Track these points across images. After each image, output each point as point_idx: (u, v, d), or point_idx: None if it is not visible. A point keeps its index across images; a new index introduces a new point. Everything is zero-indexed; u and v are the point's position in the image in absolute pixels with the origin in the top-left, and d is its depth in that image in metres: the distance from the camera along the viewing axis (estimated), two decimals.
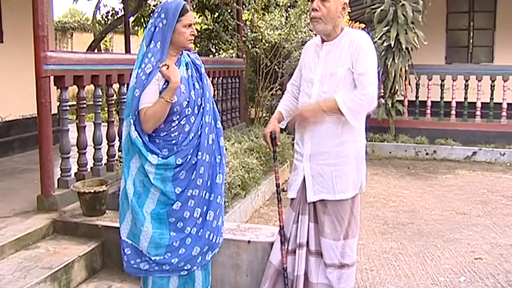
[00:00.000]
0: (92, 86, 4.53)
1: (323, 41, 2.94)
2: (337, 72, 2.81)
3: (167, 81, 2.72)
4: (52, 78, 3.98)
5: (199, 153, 2.82)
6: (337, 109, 2.72)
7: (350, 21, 9.60)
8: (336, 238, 2.91)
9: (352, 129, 2.83)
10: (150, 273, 2.84)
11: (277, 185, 3.08)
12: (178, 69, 2.76)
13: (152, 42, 2.71)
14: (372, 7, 9.11)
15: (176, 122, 2.77)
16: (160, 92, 2.71)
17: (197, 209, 2.84)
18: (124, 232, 2.84)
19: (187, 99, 2.79)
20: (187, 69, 2.88)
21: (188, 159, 2.80)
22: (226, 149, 5.53)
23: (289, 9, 8.22)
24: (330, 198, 2.87)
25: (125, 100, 4.72)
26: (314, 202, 2.93)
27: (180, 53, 2.87)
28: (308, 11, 8.70)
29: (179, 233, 2.82)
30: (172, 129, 2.77)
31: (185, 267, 2.86)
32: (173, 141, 2.78)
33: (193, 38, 2.82)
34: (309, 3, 2.91)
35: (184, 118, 2.79)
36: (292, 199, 3.03)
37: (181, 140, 2.78)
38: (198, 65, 2.95)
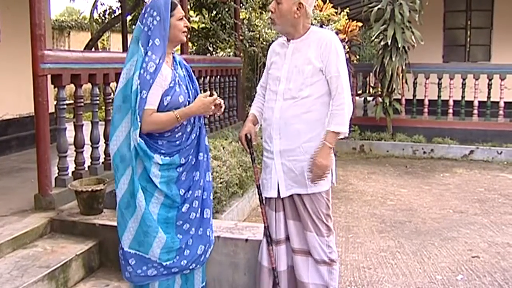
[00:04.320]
0: (89, 85, 4.53)
1: (288, 40, 2.98)
2: (304, 70, 2.84)
3: (172, 82, 2.72)
4: (49, 76, 3.96)
5: (200, 153, 2.87)
6: (337, 134, 2.83)
7: (348, 20, 9.63)
8: (319, 234, 2.92)
9: (318, 125, 2.88)
10: (158, 278, 2.83)
11: (258, 187, 3.05)
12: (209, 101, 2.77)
13: (150, 40, 2.68)
14: (370, 5, 9.11)
15: (181, 122, 2.78)
16: (165, 93, 2.71)
17: (199, 209, 2.88)
18: (126, 243, 2.80)
19: (189, 99, 2.81)
20: (181, 68, 2.89)
21: (189, 159, 2.82)
22: (223, 147, 5.57)
23: None
24: (303, 192, 2.90)
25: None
26: (292, 199, 2.93)
27: (173, 51, 2.89)
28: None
29: (185, 235, 2.84)
30: (176, 130, 2.78)
31: (191, 267, 2.89)
32: (177, 142, 2.80)
33: (186, 30, 2.83)
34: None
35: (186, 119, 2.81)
36: (269, 198, 3.01)
37: (184, 140, 2.80)
38: (186, 65, 2.98)
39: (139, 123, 2.64)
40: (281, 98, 2.87)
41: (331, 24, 8.82)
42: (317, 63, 2.83)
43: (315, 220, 2.91)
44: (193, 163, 2.85)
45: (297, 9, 2.83)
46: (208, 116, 2.94)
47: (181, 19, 2.78)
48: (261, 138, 3.11)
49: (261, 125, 3.11)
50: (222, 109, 2.90)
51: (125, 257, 2.81)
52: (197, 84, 3.00)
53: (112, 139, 2.76)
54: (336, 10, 9.31)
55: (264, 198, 3.07)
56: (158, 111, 2.71)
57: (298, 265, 2.96)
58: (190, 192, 2.82)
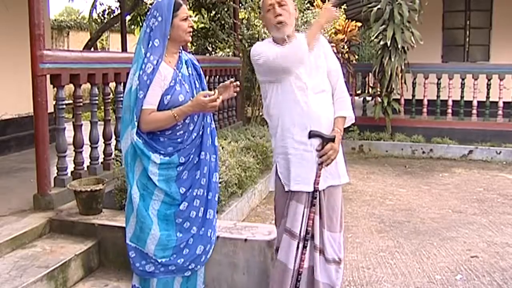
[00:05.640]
0: (88, 85, 4.52)
1: (282, 43, 2.97)
2: (321, 66, 2.98)
3: (173, 81, 2.75)
4: (48, 76, 3.96)
5: (202, 152, 2.88)
6: (344, 120, 3.01)
7: (347, 20, 9.62)
8: (334, 230, 2.95)
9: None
10: (156, 275, 2.85)
11: (316, 190, 2.91)
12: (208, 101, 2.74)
13: (150, 42, 2.72)
14: (369, 6, 9.11)
15: (182, 120, 2.79)
16: (166, 92, 2.73)
17: (201, 208, 2.89)
18: (128, 236, 2.85)
19: (191, 98, 2.82)
20: (187, 67, 2.91)
21: (190, 158, 2.83)
22: (222, 147, 5.57)
23: None
24: (336, 183, 3.00)
25: (121, 99, 4.76)
26: (318, 195, 2.92)
27: (180, 51, 2.90)
28: (305, 9, 8.72)
29: (186, 234, 2.85)
30: (177, 128, 2.80)
31: (190, 267, 2.90)
32: (179, 140, 2.81)
33: (191, 30, 2.85)
34: (266, 13, 2.94)
35: (189, 117, 2.82)
36: (300, 192, 2.94)
37: (186, 139, 2.82)
38: (196, 65, 3.00)
39: (136, 123, 2.69)
40: (311, 93, 2.92)
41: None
42: (325, 61, 2.99)
43: (332, 215, 2.94)
44: (195, 162, 2.87)
45: (294, 10, 2.98)
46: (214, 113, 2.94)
47: (186, 19, 2.80)
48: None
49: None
50: (217, 103, 2.81)
51: (128, 249, 2.86)
52: (205, 83, 3.01)
53: (124, 137, 2.80)
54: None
55: (291, 192, 2.97)
56: (159, 109, 2.74)
57: (316, 262, 2.95)
58: (190, 190, 2.84)
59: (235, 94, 3.00)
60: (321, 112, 2.92)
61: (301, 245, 2.95)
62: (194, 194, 2.84)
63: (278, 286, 2.96)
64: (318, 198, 2.93)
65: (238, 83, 2.94)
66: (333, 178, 2.98)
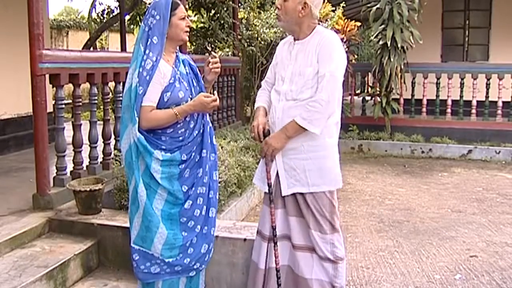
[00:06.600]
0: (87, 85, 4.52)
1: (294, 39, 2.99)
2: (305, 72, 2.85)
3: (172, 79, 2.76)
4: (47, 76, 3.96)
5: (204, 150, 2.89)
6: (299, 128, 2.79)
7: (346, 20, 9.62)
8: (323, 232, 2.92)
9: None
10: (161, 276, 2.83)
11: (269, 185, 2.98)
12: (209, 101, 2.78)
13: (149, 39, 2.74)
14: (368, 5, 9.11)
15: (182, 118, 2.80)
16: (165, 89, 2.75)
17: (204, 206, 2.90)
18: (132, 238, 2.84)
19: (190, 96, 2.83)
20: (184, 66, 2.92)
21: (192, 156, 2.85)
22: (221, 147, 5.57)
23: None
24: (304, 190, 2.89)
25: (121, 98, 4.75)
26: (294, 197, 2.93)
27: (176, 50, 2.92)
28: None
29: (190, 233, 2.85)
30: (179, 126, 2.81)
31: (195, 266, 2.90)
32: (180, 138, 2.82)
33: (188, 29, 2.87)
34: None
35: (189, 115, 2.83)
36: (265, 194, 3.03)
37: (187, 137, 2.83)
38: (192, 65, 3.02)
39: (137, 119, 2.69)
40: (283, 98, 2.90)
41: (327, 21, 8.82)
42: (316, 65, 2.83)
43: (318, 218, 2.90)
44: (196, 160, 2.88)
45: (302, 8, 2.85)
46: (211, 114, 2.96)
47: (183, 18, 2.82)
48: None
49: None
50: (217, 103, 2.87)
51: (131, 252, 2.84)
52: (203, 82, 3.01)
53: (123, 137, 2.80)
54: (333, 9, 9.32)
55: (265, 194, 3.06)
56: (159, 107, 2.76)
57: (300, 261, 2.95)
58: (193, 188, 2.85)
59: (218, 70, 2.94)
60: (288, 120, 2.84)
61: (271, 244, 2.98)
62: (198, 192, 2.85)
63: (251, 285, 3.05)
64: (295, 201, 2.94)
65: (216, 59, 2.92)
66: (301, 185, 2.90)
